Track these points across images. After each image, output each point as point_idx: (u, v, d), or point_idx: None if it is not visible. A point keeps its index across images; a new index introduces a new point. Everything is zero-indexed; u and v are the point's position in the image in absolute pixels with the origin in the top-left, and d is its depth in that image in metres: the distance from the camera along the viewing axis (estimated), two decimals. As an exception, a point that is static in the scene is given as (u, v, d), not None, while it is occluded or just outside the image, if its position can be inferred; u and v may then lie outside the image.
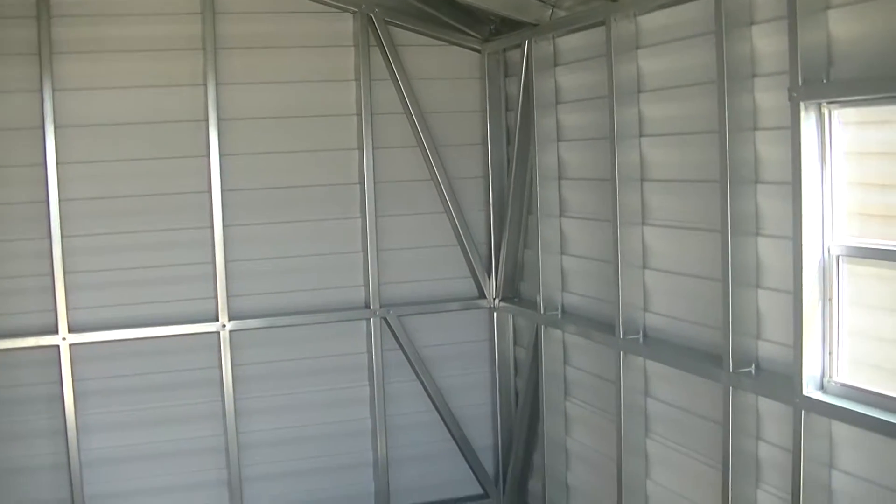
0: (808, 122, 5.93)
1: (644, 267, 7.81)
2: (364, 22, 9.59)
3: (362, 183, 9.73)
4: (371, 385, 9.91)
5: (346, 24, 9.67)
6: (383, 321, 9.84)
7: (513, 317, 10.15)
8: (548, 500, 9.34)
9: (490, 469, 10.38)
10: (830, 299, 6.03)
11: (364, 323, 9.87)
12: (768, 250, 6.51)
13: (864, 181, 5.88)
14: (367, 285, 9.81)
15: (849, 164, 5.93)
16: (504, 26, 9.57)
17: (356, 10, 9.57)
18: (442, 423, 10.17)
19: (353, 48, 9.68)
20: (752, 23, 6.49)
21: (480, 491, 10.38)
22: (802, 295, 6.01)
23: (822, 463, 6.11)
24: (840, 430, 6.02)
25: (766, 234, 6.52)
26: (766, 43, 6.39)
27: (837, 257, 5.98)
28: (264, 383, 9.69)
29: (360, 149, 9.71)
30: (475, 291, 10.20)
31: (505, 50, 9.79)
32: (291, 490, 9.81)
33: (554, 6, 8.58)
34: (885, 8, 5.53)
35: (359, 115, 9.69)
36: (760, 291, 6.60)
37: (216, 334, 9.41)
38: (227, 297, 9.39)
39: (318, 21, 9.59)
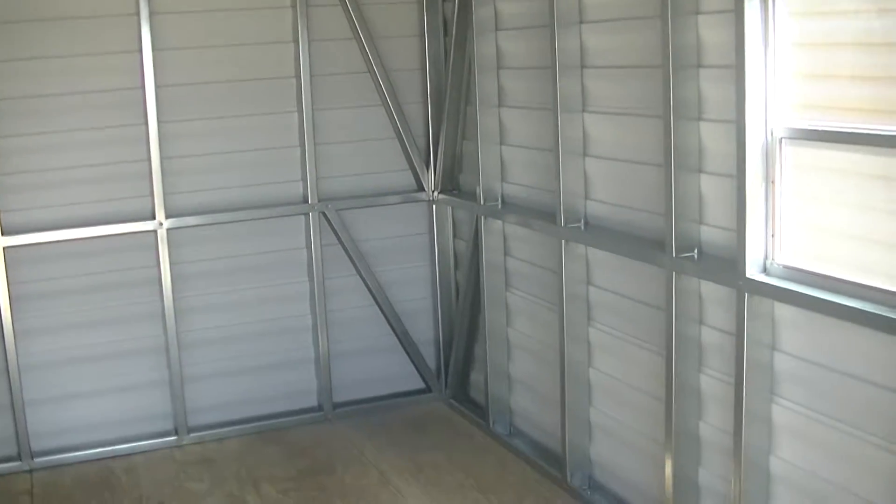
0: (751, 2, 5.87)
1: (585, 154, 7.75)
2: (295, -90, 9.39)
3: (298, 76, 9.56)
4: (311, 280, 9.86)
5: (278, -85, 9.45)
6: (322, 216, 9.76)
7: (452, 209, 10.11)
8: (490, 393, 9.40)
9: (432, 363, 10.42)
10: (773, 182, 6.02)
11: (302, 218, 9.78)
12: (710, 134, 6.47)
13: (806, 72, 5.84)
14: (304, 180, 9.70)
15: (792, 54, 5.88)
16: (441, -87, 9.40)
17: None
18: (383, 317, 10.16)
19: (286, -61, 9.49)
20: None
21: (422, 385, 10.41)
22: (745, 178, 5.99)
23: (765, 345, 6.16)
24: (783, 311, 6.06)
25: (708, 118, 6.47)
26: (707, -76, 6.31)
27: (780, 140, 5.97)
28: (203, 281, 9.60)
29: (296, 41, 9.52)
30: (414, 184, 10.13)
31: (440, -61, 9.63)
32: (233, 388, 9.78)
33: None
34: None
35: (294, 6, 9.49)
36: (703, 176, 6.57)
37: (153, 233, 9.26)
38: (164, 194, 9.23)
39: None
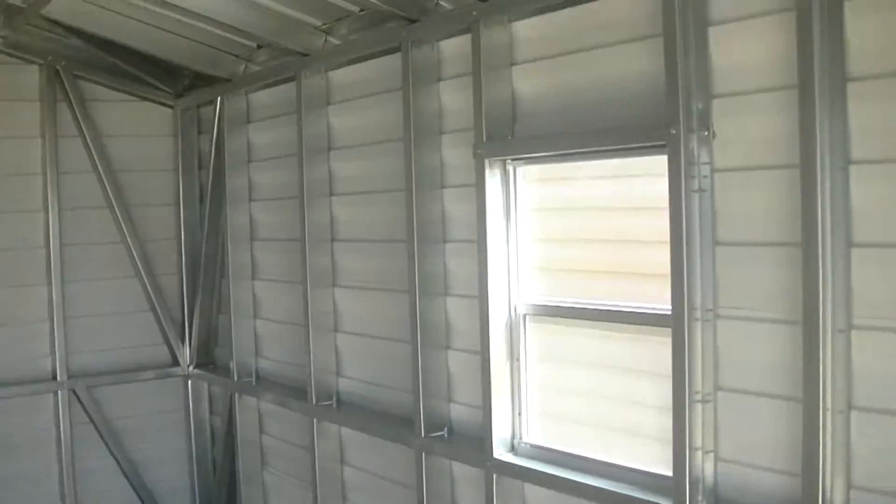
0: (492, 179, 5.86)
1: (336, 330, 7.57)
2: (50, 75, 9.06)
3: (48, 246, 9.14)
4: (59, 462, 9.25)
5: (32, 77, 9.09)
6: (72, 393, 9.24)
7: (208, 385, 9.74)
8: (247, 576, 8.96)
9: (190, 547, 9.91)
10: (518, 359, 5.92)
11: (51, 396, 9.23)
12: (457, 310, 6.36)
13: (547, 237, 5.85)
14: (53, 355, 9.19)
15: (533, 221, 5.88)
16: (198, 81, 9.18)
17: (42, 62, 9.04)
18: (138, 499, 9.61)
19: (38, 102, 9.11)
20: (440, 79, 6.38)
21: (180, 569, 9.89)
22: (490, 355, 5.89)
23: (517, 527, 5.99)
24: (532, 491, 5.90)
25: (454, 293, 6.38)
26: (453, 99, 6.30)
27: (524, 316, 5.89)
28: (-62, 467, 8.93)
29: (46, 210, 9.12)
30: (169, 359, 9.73)
31: (198, 106, 9.44)
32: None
33: (248, 61, 8.26)
34: (566, 64, 5.51)
35: (44, 173, 9.12)
36: (451, 353, 6.44)
37: None
38: None
39: (0, 73, 9.00)
